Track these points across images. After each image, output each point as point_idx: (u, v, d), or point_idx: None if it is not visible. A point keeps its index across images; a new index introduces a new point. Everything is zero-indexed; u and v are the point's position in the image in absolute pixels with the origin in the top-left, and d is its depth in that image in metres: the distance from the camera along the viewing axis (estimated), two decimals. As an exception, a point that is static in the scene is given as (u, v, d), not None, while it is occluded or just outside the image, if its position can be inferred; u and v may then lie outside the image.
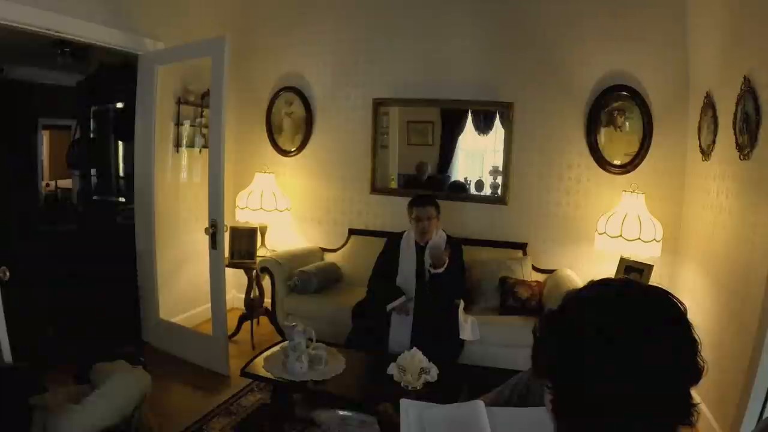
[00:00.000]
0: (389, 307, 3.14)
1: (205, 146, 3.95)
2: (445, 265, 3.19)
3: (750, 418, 2.16)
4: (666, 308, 0.76)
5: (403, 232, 3.45)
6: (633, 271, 3.23)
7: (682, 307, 0.76)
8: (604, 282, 0.82)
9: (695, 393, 0.77)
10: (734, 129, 2.52)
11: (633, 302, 0.76)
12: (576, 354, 0.74)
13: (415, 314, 3.14)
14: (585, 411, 0.74)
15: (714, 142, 2.86)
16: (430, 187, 4.07)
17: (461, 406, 1.11)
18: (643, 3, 3.43)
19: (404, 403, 1.11)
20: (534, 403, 1.09)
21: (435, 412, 1.09)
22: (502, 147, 3.85)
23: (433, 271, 3.20)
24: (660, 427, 0.73)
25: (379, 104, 4.10)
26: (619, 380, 0.71)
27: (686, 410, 0.73)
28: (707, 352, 0.75)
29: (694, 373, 0.73)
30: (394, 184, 4.27)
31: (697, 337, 0.74)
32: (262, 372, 2.60)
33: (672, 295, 0.78)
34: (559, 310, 0.81)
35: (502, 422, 1.03)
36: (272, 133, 4.46)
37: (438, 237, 3.34)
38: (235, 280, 4.39)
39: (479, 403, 1.09)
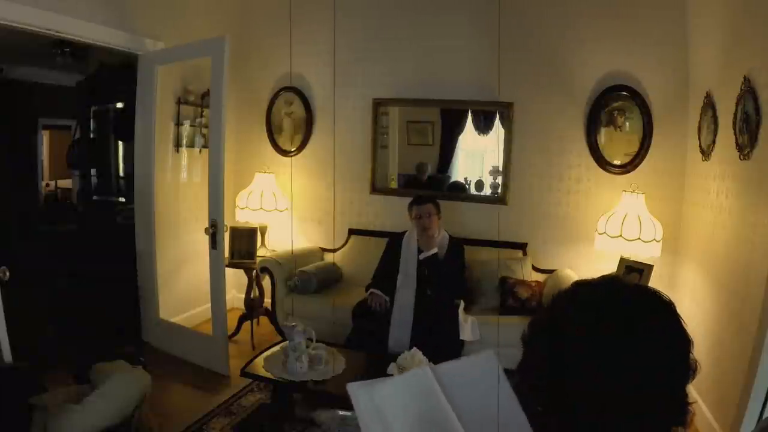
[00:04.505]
0: (369, 289, 3.30)
1: (205, 146, 3.95)
2: (436, 249, 3.30)
3: (750, 418, 2.15)
4: (650, 307, 0.75)
5: (404, 232, 3.46)
6: (633, 271, 3.22)
7: (665, 298, 0.76)
8: (590, 281, 0.82)
9: (693, 392, 0.76)
10: (734, 129, 2.52)
11: (618, 301, 0.76)
12: (561, 352, 0.74)
13: (415, 314, 3.14)
14: (576, 411, 0.74)
15: (714, 142, 2.85)
16: (430, 187, 4.07)
17: (409, 375, 1.06)
18: (642, 3, 3.43)
19: (351, 387, 0.97)
20: None
21: (384, 387, 1.01)
22: (502, 147, 3.85)
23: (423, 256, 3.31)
24: (651, 428, 0.72)
25: (378, 104, 4.10)
26: (603, 378, 0.71)
27: (677, 410, 0.72)
28: (708, 352, 0.75)
29: (681, 371, 0.72)
30: (394, 184, 4.27)
31: (685, 333, 0.74)
32: (262, 372, 2.60)
33: (658, 293, 0.77)
34: (547, 309, 0.82)
35: (448, 377, 1.00)
36: (272, 133, 4.46)
37: (441, 237, 3.35)
38: (235, 280, 4.39)
39: (425, 368, 1.06)
